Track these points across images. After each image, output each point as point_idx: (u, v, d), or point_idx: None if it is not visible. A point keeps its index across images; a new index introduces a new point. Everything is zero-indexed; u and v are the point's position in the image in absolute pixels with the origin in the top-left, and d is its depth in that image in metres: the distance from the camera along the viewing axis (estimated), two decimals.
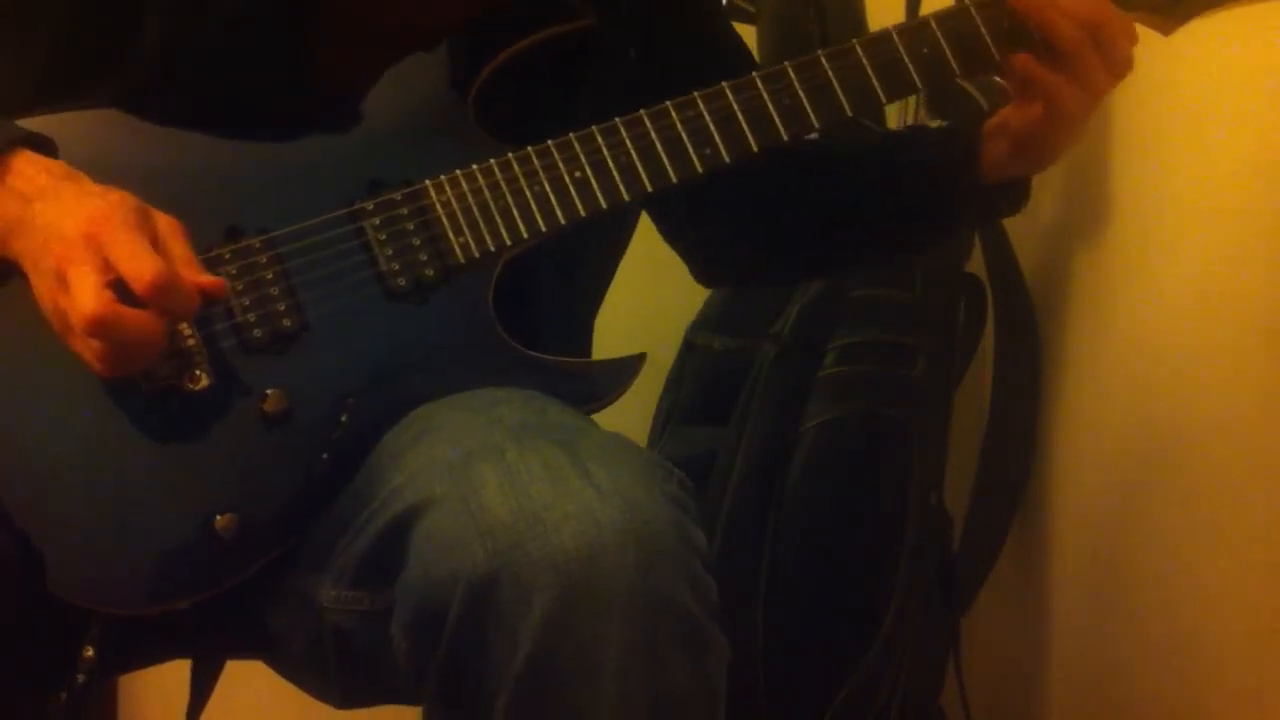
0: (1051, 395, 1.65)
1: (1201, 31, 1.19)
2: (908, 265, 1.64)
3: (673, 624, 0.85)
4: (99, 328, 0.89)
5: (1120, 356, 1.55)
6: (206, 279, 0.94)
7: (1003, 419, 1.66)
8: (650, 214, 1.31)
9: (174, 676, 1.19)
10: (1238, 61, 1.33)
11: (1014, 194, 1.22)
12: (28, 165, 0.97)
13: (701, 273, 1.41)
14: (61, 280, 0.91)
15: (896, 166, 1.26)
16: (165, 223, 0.95)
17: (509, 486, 0.86)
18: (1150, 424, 1.50)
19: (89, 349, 0.92)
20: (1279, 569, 1.31)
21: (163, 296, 0.90)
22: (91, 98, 1.04)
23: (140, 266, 0.90)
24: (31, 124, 1.00)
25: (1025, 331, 1.66)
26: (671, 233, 1.35)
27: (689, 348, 1.81)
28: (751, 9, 1.79)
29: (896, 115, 1.75)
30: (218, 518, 0.98)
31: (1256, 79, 1.33)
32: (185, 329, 1.00)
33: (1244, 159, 1.35)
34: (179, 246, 0.94)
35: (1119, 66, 1.10)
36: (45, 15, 1.06)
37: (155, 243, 0.92)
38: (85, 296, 0.89)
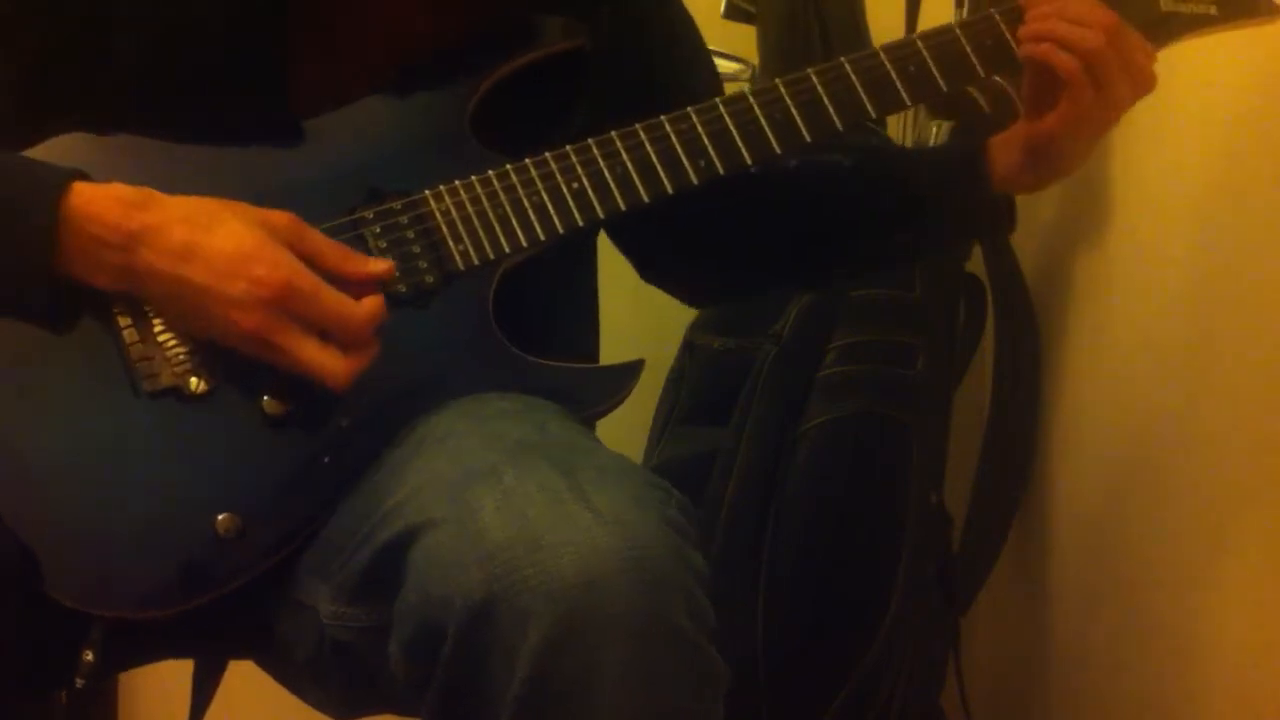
0: (1051, 395, 1.65)
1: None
2: (907, 265, 1.64)
3: (671, 649, 0.85)
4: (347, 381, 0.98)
5: (1120, 356, 1.55)
6: (376, 266, 1.01)
7: (1003, 419, 1.66)
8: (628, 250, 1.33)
9: (174, 676, 1.19)
10: (1238, 61, 1.33)
11: (1001, 212, 1.24)
12: (103, 199, 0.97)
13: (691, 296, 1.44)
14: (263, 343, 0.96)
15: (903, 189, 1.27)
16: (285, 221, 0.99)
17: (506, 510, 0.86)
18: (1150, 424, 1.50)
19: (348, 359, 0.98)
20: (1276, 567, 1.31)
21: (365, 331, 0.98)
22: (69, 121, 1.04)
23: (343, 320, 0.97)
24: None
25: (1025, 332, 1.65)
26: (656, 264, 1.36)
27: (689, 348, 1.80)
28: (751, 9, 1.79)
29: (897, 116, 1.75)
30: (219, 517, 0.98)
31: (1257, 79, 1.33)
32: None
33: (1244, 159, 1.35)
34: (328, 246, 1.00)
35: (1138, 75, 1.11)
36: (15, 41, 1.06)
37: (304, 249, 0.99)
38: (332, 365, 0.97)
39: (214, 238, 0.96)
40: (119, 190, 0.97)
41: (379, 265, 1.01)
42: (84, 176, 0.97)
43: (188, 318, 0.99)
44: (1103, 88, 1.11)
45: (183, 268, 0.96)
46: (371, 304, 0.98)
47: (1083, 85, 1.10)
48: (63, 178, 0.96)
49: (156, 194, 0.98)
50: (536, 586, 0.83)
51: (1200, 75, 1.37)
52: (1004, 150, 1.19)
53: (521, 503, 0.86)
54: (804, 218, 1.30)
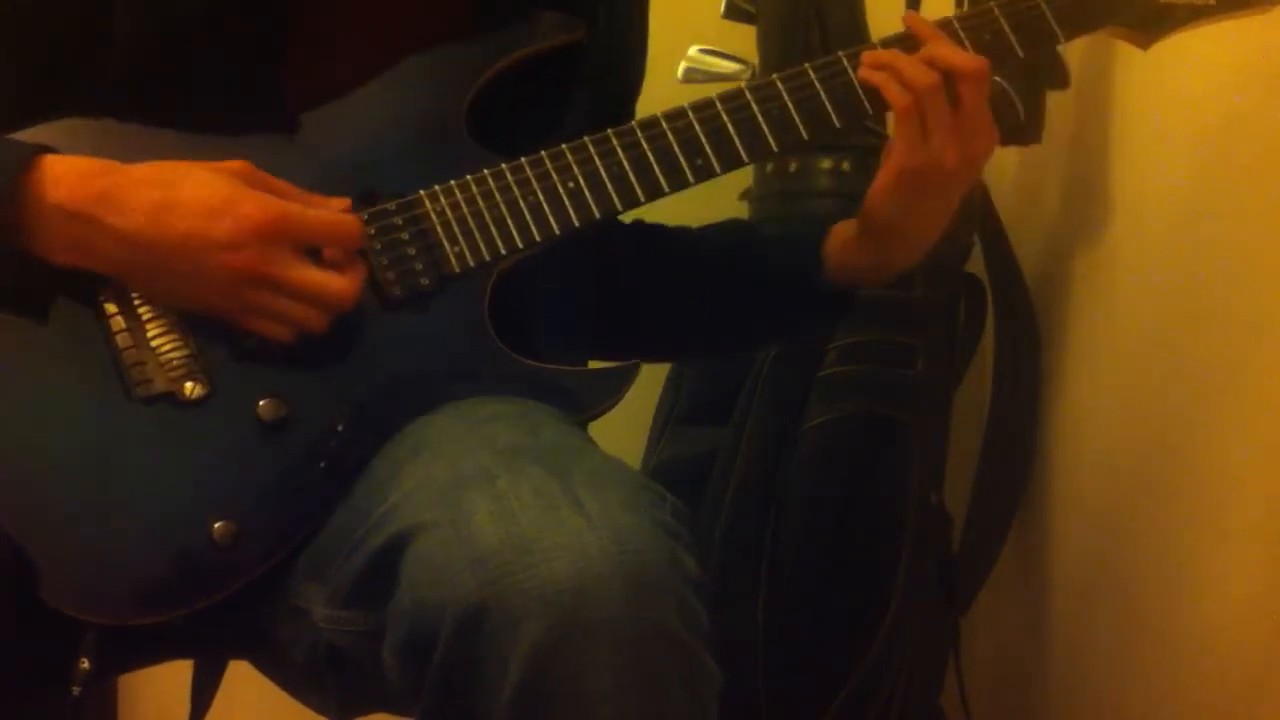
0: (1051, 395, 1.65)
1: (1199, 32, 1.19)
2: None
3: (664, 652, 0.85)
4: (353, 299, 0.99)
5: (1120, 356, 1.55)
6: (339, 202, 1.03)
7: (1003, 419, 1.66)
8: None
9: (174, 677, 1.19)
10: (1236, 62, 1.33)
11: (824, 306, 1.24)
12: (66, 173, 0.96)
13: None
14: (257, 279, 0.96)
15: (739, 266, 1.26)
16: (241, 166, 0.99)
17: (499, 514, 0.86)
18: (1149, 423, 1.50)
19: (306, 316, 0.99)
20: (1278, 567, 1.30)
21: (359, 238, 1.01)
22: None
23: (335, 229, 0.99)
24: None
25: (1025, 332, 1.65)
26: None
27: None
28: (751, 9, 1.79)
29: None
30: (215, 525, 0.98)
31: (1255, 79, 1.32)
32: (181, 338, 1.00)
33: (1243, 159, 1.35)
34: (289, 187, 1.01)
35: (966, 132, 1.08)
36: (14, 42, 1.06)
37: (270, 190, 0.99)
38: (337, 284, 0.98)
39: (184, 190, 0.96)
40: (79, 161, 0.97)
41: (340, 201, 1.03)
42: (51, 151, 0.97)
43: (157, 280, 0.97)
44: (928, 135, 1.07)
45: (157, 223, 0.95)
46: (354, 217, 1.01)
47: (911, 123, 1.07)
48: (28, 153, 0.96)
49: (117, 163, 0.97)
50: (529, 591, 0.83)
51: (1199, 74, 1.37)
52: (843, 228, 1.18)
53: (514, 506, 0.86)
54: (661, 275, 1.28)
